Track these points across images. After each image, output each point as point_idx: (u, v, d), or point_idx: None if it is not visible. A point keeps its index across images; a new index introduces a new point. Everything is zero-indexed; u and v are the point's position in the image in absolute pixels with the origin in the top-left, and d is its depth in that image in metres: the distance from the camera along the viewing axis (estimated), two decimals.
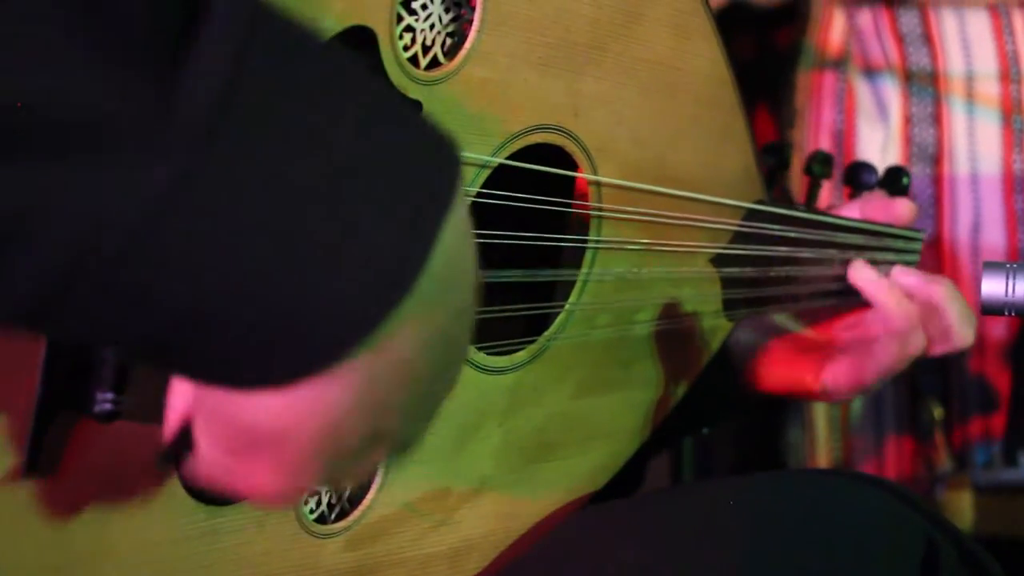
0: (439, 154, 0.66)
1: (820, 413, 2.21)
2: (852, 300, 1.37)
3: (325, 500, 0.95)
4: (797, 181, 1.66)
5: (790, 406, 2.18)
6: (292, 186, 0.61)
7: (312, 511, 0.94)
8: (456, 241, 0.66)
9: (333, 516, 0.96)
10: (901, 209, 1.42)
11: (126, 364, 0.76)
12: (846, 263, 1.34)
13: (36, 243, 0.58)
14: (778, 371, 1.35)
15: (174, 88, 0.58)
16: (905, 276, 1.33)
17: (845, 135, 2.29)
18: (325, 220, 0.62)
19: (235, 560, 0.87)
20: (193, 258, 0.60)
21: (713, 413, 1.36)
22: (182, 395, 0.70)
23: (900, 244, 1.42)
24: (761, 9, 2.32)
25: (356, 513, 0.96)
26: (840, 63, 2.30)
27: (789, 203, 1.36)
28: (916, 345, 1.28)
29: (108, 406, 0.76)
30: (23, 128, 0.57)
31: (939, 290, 1.32)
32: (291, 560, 0.91)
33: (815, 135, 2.29)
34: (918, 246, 1.45)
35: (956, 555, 1.02)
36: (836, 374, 1.30)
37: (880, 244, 1.38)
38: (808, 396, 1.35)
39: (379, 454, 0.71)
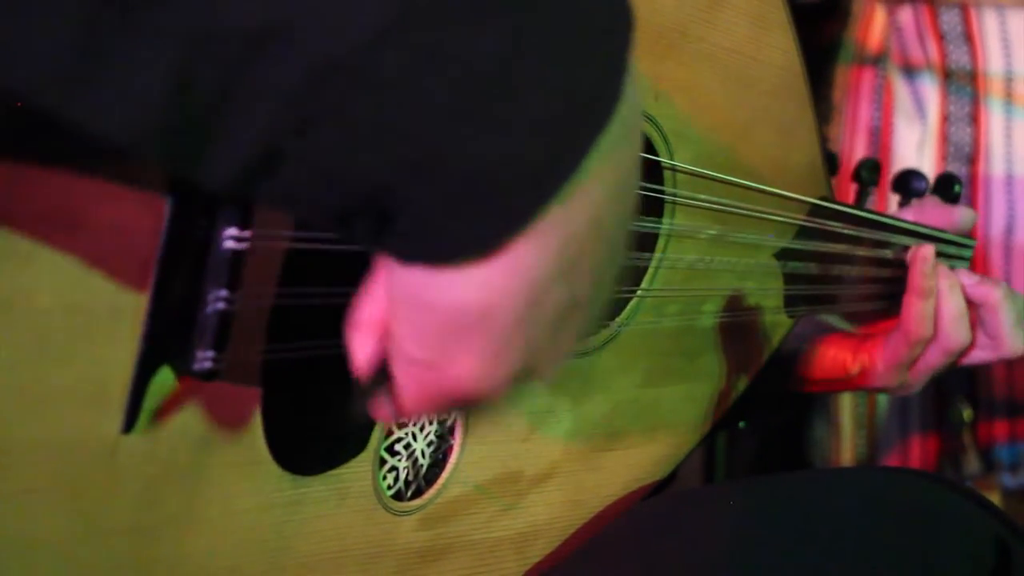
0: (617, 2, 0.65)
1: (846, 409, 2.21)
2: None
3: (403, 477, 0.95)
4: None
5: (816, 401, 2.18)
6: (501, 16, 0.60)
7: (390, 487, 0.94)
8: (632, 88, 0.65)
9: (410, 493, 0.95)
10: (961, 216, 1.42)
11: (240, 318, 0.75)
12: (903, 265, 1.34)
13: (278, 62, 0.58)
14: (821, 361, 1.35)
15: None
16: (963, 274, 1.33)
17: (882, 132, 2.29)
18: (526, 57, 0.61)
19: (315, 531, 0.87)
20: (420, 85, 0.59)
21: (755, 408, 1.36)
22: (366, 332, 0.69)
23: (952, 250, 1.41)
24: (802, 3, 2.32)
25: (431, 491, 0.96)
26: (879, 60, 2.30)
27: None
28: (955, 336, 1.27)
29: (208, 364, 0.75)
30: None
31: (994, 292, 1.31)
32: (368, 535, 0.91)
33: (851, 131, 2.28)
34: (969, 253, 1.45)
35: None
36: (872, 353, 1.30)
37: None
38: (847, 382, 1.35)
39: (573, 329, 0.69)
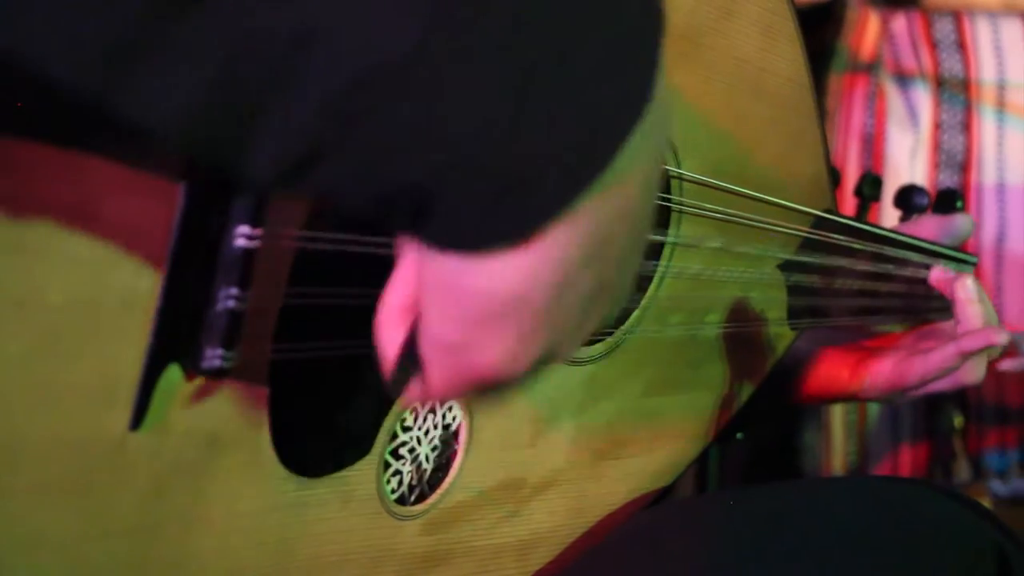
0: None
1: (837, 417, 2.21)
2: (912, 318, 1.37)
3: (407, 481, 0.94)
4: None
5: (807, 410, 2.18)
6: (535, 20, 0.61)
7: (394, 491, 0.93)
8: (662, 82, 0.66)
9: (413, 498, 0.95)
10: (958, 223, 1.41)
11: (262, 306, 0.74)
12: (908, 281, 1.33)
13: (320, 63, 0.58)
14: (819, 373, 1.35)
15: None
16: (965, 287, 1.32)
17: (875, 139, 2.29)
18: (562, 58, 0.61)
19: (318, 534, 0.86)
20: (456, 88, 0.60)
21: (752, 419, 1.36)
22: (396, 319, 0.70)
23: (953, 267, 1.41)
24: (795, 9, 2.31)
25: (435, 496, 0.95)
26: (872, 67, 2.30)
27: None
28: (974, 376, 1.27)
29: (218, 362, 0.74)
30: None
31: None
32: (370, 539, 0.90)
33: (845, 138, 2.29)
34: (970, 270, 1.44)
35: None
36: (878, 370, 1.30)
37: (934, 264, 1.38)
38: (843, 394, 1.35)
39: (598, 313, 0.70)
